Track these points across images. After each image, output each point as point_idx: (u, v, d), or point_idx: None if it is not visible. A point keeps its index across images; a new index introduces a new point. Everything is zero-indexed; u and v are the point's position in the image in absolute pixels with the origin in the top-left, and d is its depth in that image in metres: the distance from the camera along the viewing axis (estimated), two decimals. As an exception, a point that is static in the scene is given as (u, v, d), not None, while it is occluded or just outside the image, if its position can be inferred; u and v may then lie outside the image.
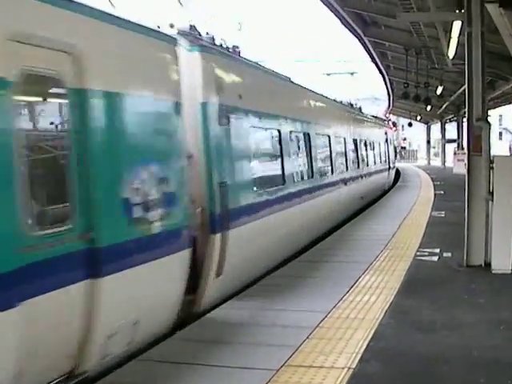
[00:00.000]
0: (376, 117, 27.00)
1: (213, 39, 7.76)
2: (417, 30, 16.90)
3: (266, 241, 8.59)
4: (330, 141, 13.59)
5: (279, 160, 9.69)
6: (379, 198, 20.55)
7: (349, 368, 4.79)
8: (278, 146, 9.75)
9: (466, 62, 8.71)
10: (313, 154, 11.76)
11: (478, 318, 6.19)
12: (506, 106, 34.75)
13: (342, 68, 39.02)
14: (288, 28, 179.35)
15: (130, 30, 5.41)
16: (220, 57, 7.64)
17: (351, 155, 16.50)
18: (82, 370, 4.59)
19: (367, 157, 19.60)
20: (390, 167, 26.20)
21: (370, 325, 5.90)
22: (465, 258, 8.63)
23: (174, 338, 5.70)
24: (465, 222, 8.67)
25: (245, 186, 7.91)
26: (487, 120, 8.74)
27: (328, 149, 13.45)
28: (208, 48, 7.27)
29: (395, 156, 33.25)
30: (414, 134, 69.47)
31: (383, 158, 24.25)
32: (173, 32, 6.70)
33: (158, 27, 6.33)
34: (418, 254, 9.61)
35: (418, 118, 45.77)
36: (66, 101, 4.54)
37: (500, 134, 70.95)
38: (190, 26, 7.33)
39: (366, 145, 19.47)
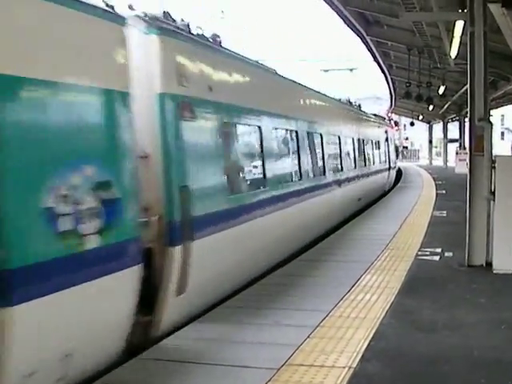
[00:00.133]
0: (376, 115, 26.36)
1: (188, 26, 6.99)
2: (419, 29, 16.90)
3: (242, 252, 7.59)
4: (322, 139, 12.75)
5: (259, 160, 8.81)
6: (378, 199, 20.07)
7: (350, 367, 4.79)
8: (258, 145, 8.83)
9: (469, 62, 8.70)
10: (301, 154, 10.90)
11: (479, 317, 6.19)
12: (508, 105, 34.70)
13: (343, 66, 37.56)
14: (288, 28, 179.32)
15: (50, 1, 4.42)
16: (186, 43, 6.66)
17: (347, 155, 15.66)
18: None
19: (365, 157, 18.89)
20: (390, 167, 25.31)
21: (371, 324, 5.90)
22: (466, 257, 8.62)
23: (175, 336, 5.69)
24: (466, 222, 8.68)
25: (214, 189, 6.94)
26: (489, 120, 8.73)
27: (320, 148, 12.61)
28: (170, 31, 6.29)
29: (396, 156, 32.46)
30: (416, 133, 69.56)
31: (383, 158, 23.53)
32: (130, 14, 5.82)
33: (110, 6, 5.27)
34: (420, 253, 9.60)
35: (420, 117, 45.75)
36: None
37: (502, 133, 70.89)
38: (164, 12, 6.64)
39: (363, 144, 18.76)
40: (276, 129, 9.72)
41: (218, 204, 6.91)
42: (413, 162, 54.07)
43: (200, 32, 7.42)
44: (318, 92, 14.12)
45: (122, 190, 5.01)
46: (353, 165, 16.48)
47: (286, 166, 10.44)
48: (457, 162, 34.49)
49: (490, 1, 8.29)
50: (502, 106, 33.48)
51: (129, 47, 5.26)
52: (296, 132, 10.82)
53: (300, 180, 10.79)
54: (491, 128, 8.61)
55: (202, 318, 6.21)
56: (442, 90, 24.38)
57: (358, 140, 17.78)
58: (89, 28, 4.81)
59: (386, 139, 25.58)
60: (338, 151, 14.68)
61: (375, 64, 24.87)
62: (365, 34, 18.77)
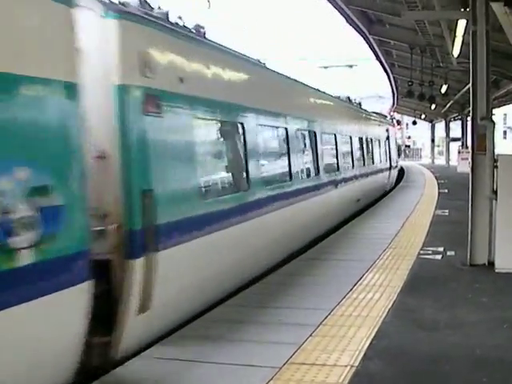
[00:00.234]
0: (376, 113, 26.05)
1: (166, 15, 6.48)
2: (422, 28, 16.90)
3: (215, 263, 6.83)
4: (315, 138, 11.96)
5: (239, 160, 7.99)
6: (379, 199, 19.80)
7: (351, 366, 4.79)
8: (239, 143, 8.02)
9: (471, 61, 8.69)
10: (291, 153, 10.09)
11: (481, 316, 6.19)
12: (511, 104, 34.69)
13: (342, 63, 36.86)
14: (288, 27, 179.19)
15: None
16: (154, 30, 5.91)
17: (344, 154, 14.99)
18: None
19: (364, 156, 18.38)
20: (391, 166, 24.76)
21: (373, 323, 5.90)
22: (468, 256, 8.62)
23: (175, 335, 5.70)
24: (468, 221, 8.68)
25: (184, 194, 6.21)
26: (491, 119, 8.72)
27: (313, 147, 11.90)
28: (133, 16, 5.57)
29: (398, 155, 31.91)
30: (419, 132, 69.50)
31: (383, 157, 23.02)
32: None
33: None
34: (422, 252, 9.60)
35: (423, 116, 45.77)
36: None
37: (504, 132, 70.81)
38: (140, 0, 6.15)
39: (363, 143, 18.27)
40: (261, 126, 8.91)
41: (187, 210, 6.15)
42: (415, 161, 54.05)
43: (181, 22, 6.92)
44: (312, 87, 13.30)
45: (66, 195, 4.27)
46: (350, 164, 15.94)
47: (272, 166, 9.77)
48: (459, 161, 34.49)
49: (493, -1, 8.29)
50: (505, 104, 33.48)
51: (79, 32, 4.50)
52: (285, 129, 10.07)
53: (289, 181, 10.01)
54: (493, 127, 8.60)
55: (201, 317, 6.19)
56: (444, 88, 24.36)
57: (357, 138, 17.36)
58: (21, 6, 4.00)
59: (387, 138, 25.07)
60: (335, 150, 14.10)
61: (377, 63, 24.87)
62: (367, 33, 18.78)
